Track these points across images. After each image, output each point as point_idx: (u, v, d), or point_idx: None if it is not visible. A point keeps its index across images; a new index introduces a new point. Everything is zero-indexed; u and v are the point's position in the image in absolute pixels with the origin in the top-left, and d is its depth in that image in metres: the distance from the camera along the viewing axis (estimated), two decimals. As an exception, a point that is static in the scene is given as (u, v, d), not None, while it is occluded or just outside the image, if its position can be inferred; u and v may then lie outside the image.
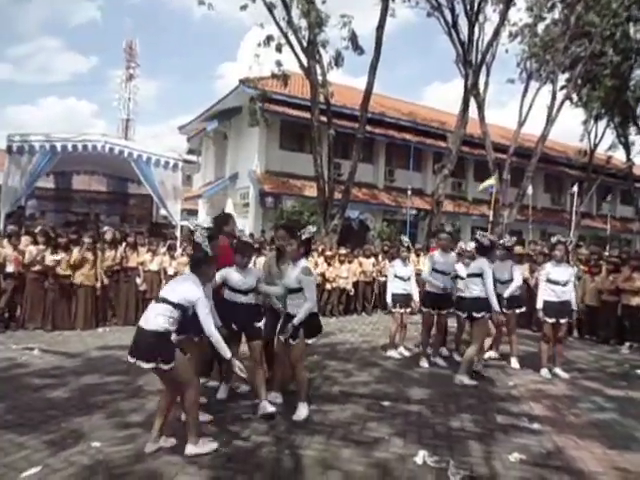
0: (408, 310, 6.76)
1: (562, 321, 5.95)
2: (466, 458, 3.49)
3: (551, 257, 6.17)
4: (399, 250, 6.89)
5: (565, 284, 5.92)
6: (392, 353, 6.70)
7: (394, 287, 6.66)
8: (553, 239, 6.12)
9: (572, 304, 6.00)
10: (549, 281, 5.97)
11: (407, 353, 6.82)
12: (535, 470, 3.35)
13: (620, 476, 3.32)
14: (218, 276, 4.13)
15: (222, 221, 5.03)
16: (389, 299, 6.69)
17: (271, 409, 4.12)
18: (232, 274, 4.32)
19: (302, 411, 4.15)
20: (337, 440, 3.71)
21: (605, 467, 3.45)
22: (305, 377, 4.35)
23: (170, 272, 8.53)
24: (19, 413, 3.98)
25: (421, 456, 3.44)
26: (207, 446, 3.41)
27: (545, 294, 5.99)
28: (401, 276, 6.62)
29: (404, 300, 6.64)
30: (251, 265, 4.55)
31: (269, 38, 13.72)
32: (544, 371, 5.92)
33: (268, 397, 4.25)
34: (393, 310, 6.70)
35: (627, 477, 3.31)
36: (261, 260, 8.93)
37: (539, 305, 6.03)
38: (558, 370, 5.97)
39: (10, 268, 7.52)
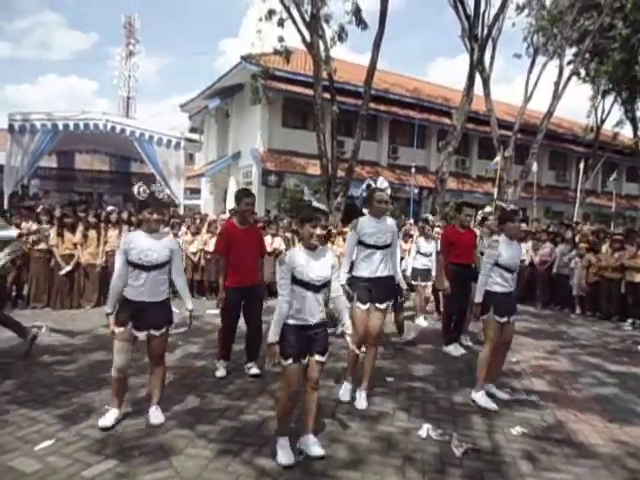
0: (429, 283, 7.24)
1: (512, 319, 4.19)
2: (469, 431, 3.56)
3: (493, 232, 4.74)
4: (424, 228, 7.44)
5: (513, 271, 4.17)
6: (419, 321, 7.24)
7: (416, 262, 7.23)
8: (486, 210, 4.52)
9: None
10: (498, 266, 4.10)
11: (425, 324, 7.24)
12: (536, 443, 3.42)
13: (620, 448, 3.39)
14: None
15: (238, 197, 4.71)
16: (409, 273, 7.14)
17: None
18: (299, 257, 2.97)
19: None
20: (342, 414, 3.79)
21: (605, 439, 3.52)
22: None
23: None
24: (30, 389, 4.06)
25: (425, 430, 3.51)
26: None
27: (492, 283, 4.12)
28: (424, 252, 7.17)
29: (425, 274, 7.17)
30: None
31: (271, 12, 13.53)
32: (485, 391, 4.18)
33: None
34: (414, 283, 7.20)
35: (627, 449, 3.37)
36: (278, 240, 9.08)
37: (479, 298, 4.13)
38: (495, 391, 4.30)
39: (15, 247, 7.57)
